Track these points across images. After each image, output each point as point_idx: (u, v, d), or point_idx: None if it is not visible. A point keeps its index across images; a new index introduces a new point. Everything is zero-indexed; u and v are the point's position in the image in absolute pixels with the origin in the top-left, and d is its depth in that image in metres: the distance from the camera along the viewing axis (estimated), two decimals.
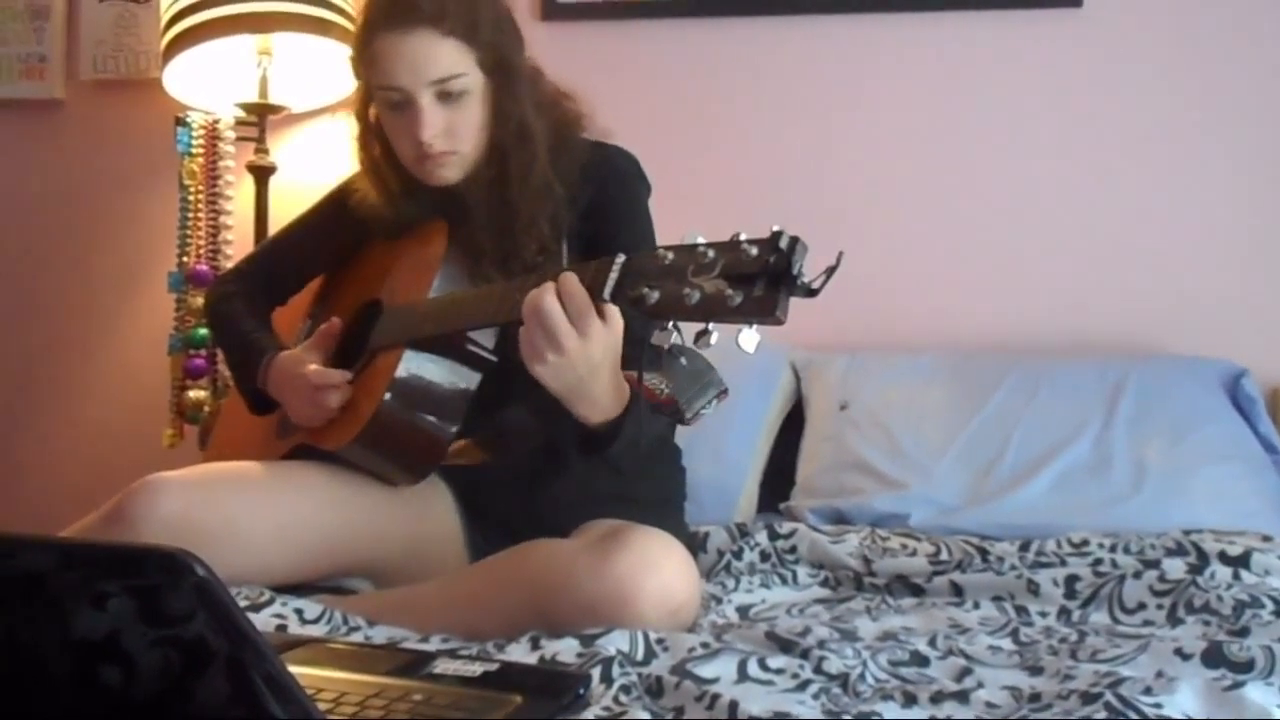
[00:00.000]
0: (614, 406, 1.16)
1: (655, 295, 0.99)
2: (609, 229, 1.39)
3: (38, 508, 2.43)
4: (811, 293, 0.94)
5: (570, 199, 1.40)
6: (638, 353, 1.10)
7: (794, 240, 0.93)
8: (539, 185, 1.38)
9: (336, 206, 1.55)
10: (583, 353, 1.07)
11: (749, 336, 0.95)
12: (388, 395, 1.32)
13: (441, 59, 1.34)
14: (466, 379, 1.35)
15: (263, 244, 1.76)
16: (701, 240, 0.98)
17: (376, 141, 1.46)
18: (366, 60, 1.38)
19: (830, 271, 0.93)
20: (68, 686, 0.65)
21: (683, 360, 1.09)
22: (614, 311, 1.08)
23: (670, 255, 1.00)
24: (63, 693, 0.65)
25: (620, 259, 1.05)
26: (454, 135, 1.38)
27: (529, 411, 1.42)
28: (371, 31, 1.37)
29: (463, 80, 1.35)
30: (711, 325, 0.98)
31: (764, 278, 0.93)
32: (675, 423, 1.15)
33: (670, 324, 1.02)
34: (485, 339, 1.33)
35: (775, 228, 0.93)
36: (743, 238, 0.96)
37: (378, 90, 1.39)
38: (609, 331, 1.08)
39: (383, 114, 1.42)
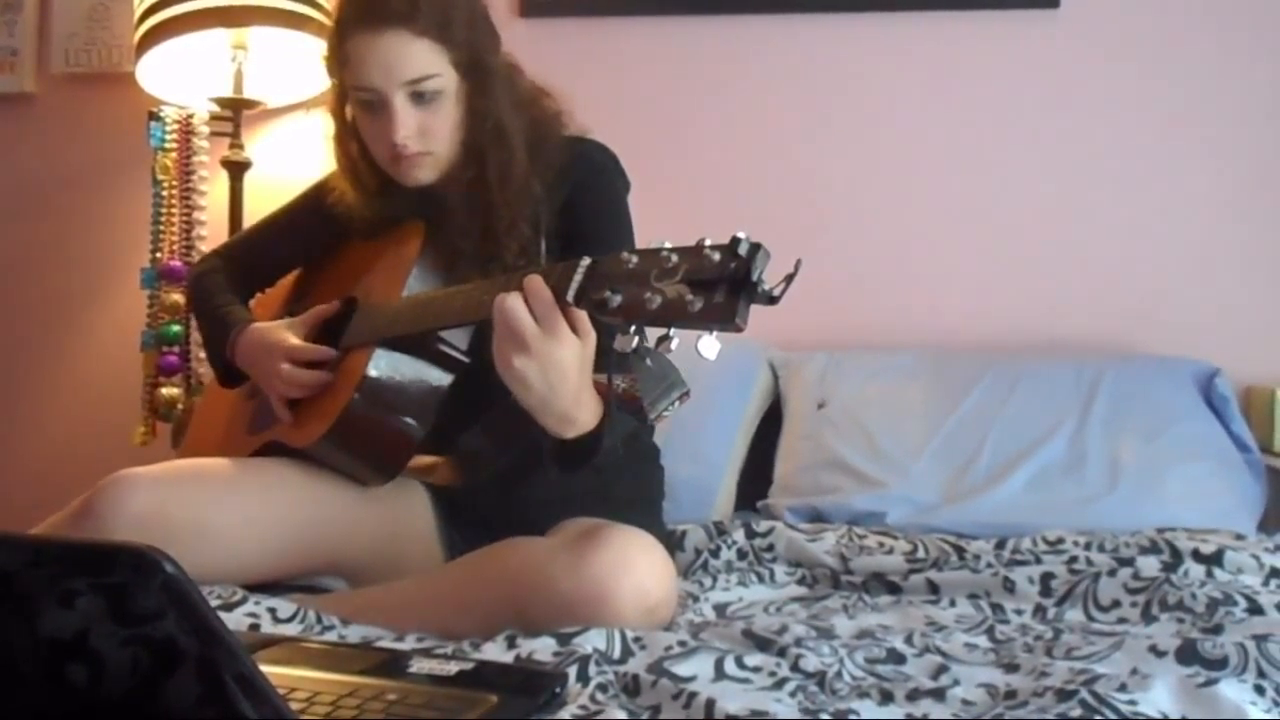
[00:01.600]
0: (588, 420, 1.14)
1: (618, 299, 0.98)
2: (586, 225, 1.38)
3: (7, 505, 2.40)
4: (772, 300, 0.93)
5: (547, 195, 1.39)
6: (605, 357, 1.10)
7: (754, 247, 0.92)
8: (518, 186, 1.37)
9: (315, 203, 1.54)
10: (550, 354, 1.05)
11: (709, 343, 0.95)
12: (357, 394, 1.32)
13: (414, 60, 1.33)
14: (438, 379, 1.34)
15: (242, 232, 1.75)
16: (667, 245, 0.98)
17: (353, 140, 1.45)
18: (340, 60, 1.38)
19: (789, 279, 0.92)
20: (36, 686, 0.64)
21: (648, 361, 1.08)
22: (585, 321, 1.07)
23: (635, 259, 0.99)
24: (31, 692, 0.65)
25: (585, 262, 1.04)
26: (428, 136, 1.37)
27: (485, 435, 1.41)
28: (345, 31, 1.36)
29: (436, 81, 1.35)
30: (673, 330, 0.97)
31: (724, 284, 0.92)
32: (638, 422, 1.15)
33: (633, 328, 1.01)
34: (457, 339, 1.32)
35: (737, 234, 0.93)
36: (707, 243, 0.95)
37: (352, 90, 1.38)
38: (581, 340, 1.07)
39: (357, 114, 1.41)
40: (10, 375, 2.52)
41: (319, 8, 2.10)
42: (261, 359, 1.43)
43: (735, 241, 0.92)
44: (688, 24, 2.30)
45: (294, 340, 1.41)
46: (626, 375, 1.09)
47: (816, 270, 0.94)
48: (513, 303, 1.06)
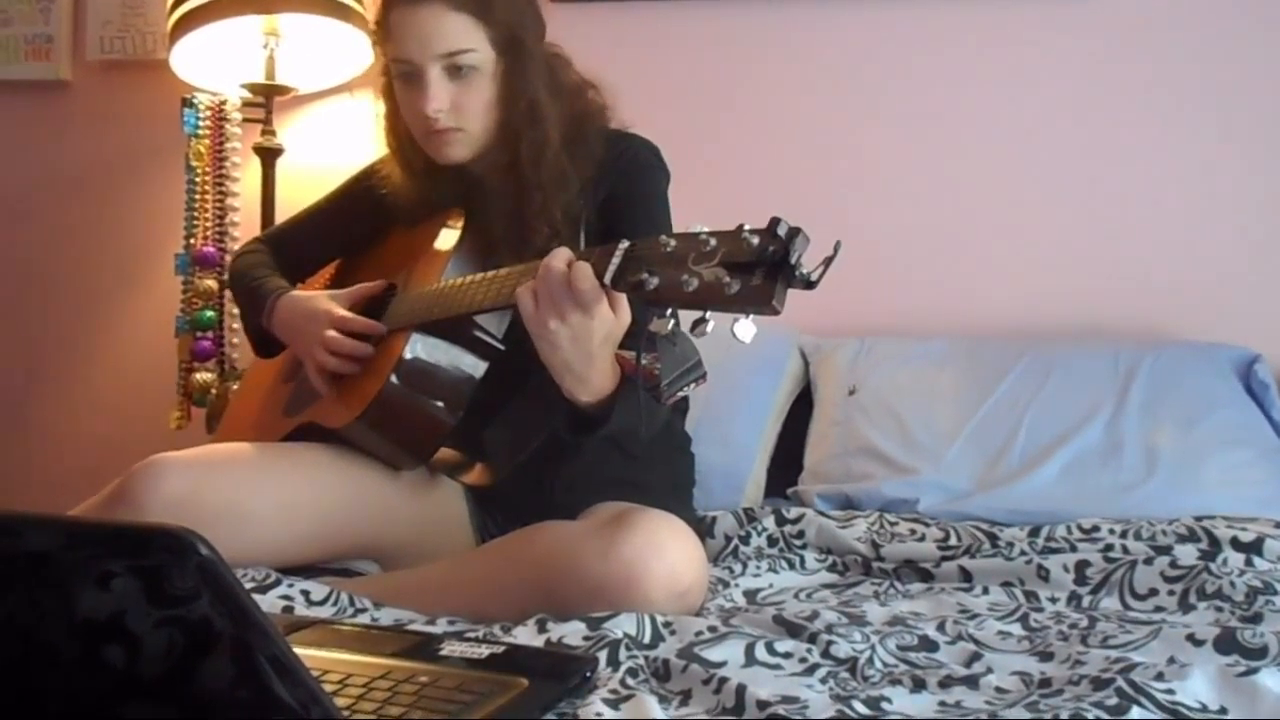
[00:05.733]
0: (602, 384, 1.16)
1: (655, 281, 0.99)
2: (627, 220, 1.37)
3: (45, 488, 2.43)
4: (810, 284, 0.93)
5: (589, 190, 1.39)
6: (637, 335, 1.11)
7: (793, 229, 0.92)
8: (552, 170, 1.37)
9: (359, 190, 1.56)
10: (585, 329, 1.08)
11: (745, 327, 0.95)
12: (393, 376, 1.32)
13: (449, 32, 1.34)
14: (472, 366, 1.35)
15: (285, 221, 1.76)
16: (705, 229, 0.98)
17: (403, 120, 1.45)
18: (383, 33, 1.40)
19: (828, 262, 0.92)
20: (72, 666, 0.65)
21: (674, 343, 1.09)
22: (625, 303, 1.09)
23: (673, 243, 0.99)
24: (68, 673, 0.65)
25: (624, 245, 1.05)
26: (461, 112, 1.37)
27: (509, 427, 1.41)
28: (387, 4, 1.38)
29: (471, 56, 1.35)
30: (709, 314, 0.97)
31: (762, 267, 0.92)
32: (653, 399, 1.16)
33: (669, 311, 1.02)
34: (493, 327, 1.32)
35: (775, 216, 0.92)
36: (746, 227, 0.95)
37: (392, 63, 1.40)
38: (617, 320, 1.10)
39: (397, 88, 1.42)
40: (46, 361, 2.55)
41: None
42: (303, 326, 1.44)
43: (774, 222, 0.92)
44: (722, 8, 2.29)
45: (340, 310, 1.41)
46: (651, 354, 1.10)
47: (848, 256, 0.93)
48: (559, 268, 1.07)
